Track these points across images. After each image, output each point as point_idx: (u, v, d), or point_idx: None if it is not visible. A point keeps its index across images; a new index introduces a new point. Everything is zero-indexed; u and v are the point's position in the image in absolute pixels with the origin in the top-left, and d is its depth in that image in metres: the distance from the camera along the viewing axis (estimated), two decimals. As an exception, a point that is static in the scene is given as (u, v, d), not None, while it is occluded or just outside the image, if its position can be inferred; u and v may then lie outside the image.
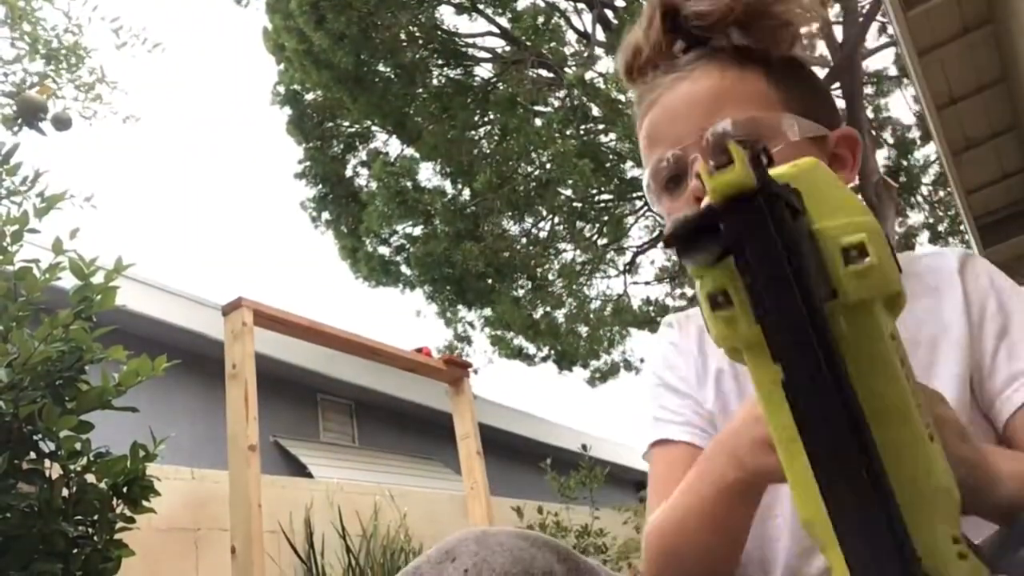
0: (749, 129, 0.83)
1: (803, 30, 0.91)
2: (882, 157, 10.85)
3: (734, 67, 0.87)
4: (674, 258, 11.63)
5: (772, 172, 0.46)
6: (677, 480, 0.85)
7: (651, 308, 10.95)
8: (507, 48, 10.11)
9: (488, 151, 10.04)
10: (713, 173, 0.44)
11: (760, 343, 0.44)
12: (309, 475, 8.04)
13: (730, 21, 0.88)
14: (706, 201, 0.45)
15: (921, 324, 0.87)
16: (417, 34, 9.55)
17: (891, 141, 11.26)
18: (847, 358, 0.42)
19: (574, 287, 10.70)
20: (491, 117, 9.88)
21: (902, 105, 16.21)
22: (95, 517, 2.27)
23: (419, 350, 3.83)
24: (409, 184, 9.75)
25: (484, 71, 10.14)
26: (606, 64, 9.61)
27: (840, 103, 8.96)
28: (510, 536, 0.71)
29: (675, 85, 0.89)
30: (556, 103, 9.95)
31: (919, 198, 11.49)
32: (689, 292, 11.41)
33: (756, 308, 0.44)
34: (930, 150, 10.92)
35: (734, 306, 0.46)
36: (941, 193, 11.38)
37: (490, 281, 9.99)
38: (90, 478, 2.30)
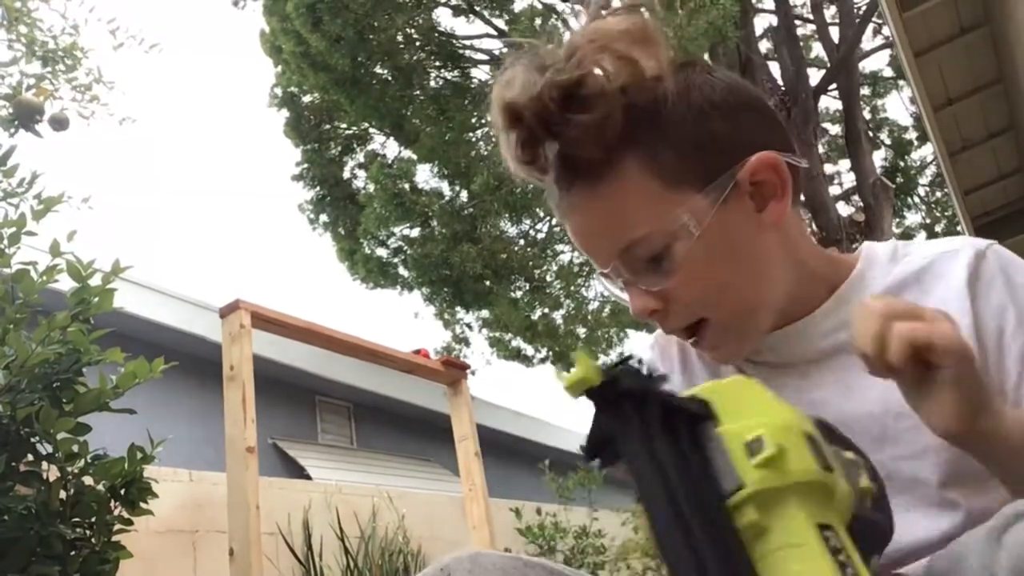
0: (648, 244, 0.78)
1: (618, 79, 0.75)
2: (879, 158, 10.87)
3: (600, 177, 0.78)
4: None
5: (693, 389, 0.53)
6: None
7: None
8: (504, 50, 10.11)
9: (486, 153, 10.04)
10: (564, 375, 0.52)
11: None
12: (307, 477, 8.03)
13: (545, 121, 0.75)
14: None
15: None
16: (414, 36, 9.55)
17: (888, 142, 11.28)
18: (755, 544, 0.46)
19: (572, 288, 10.70)
20: (488, 119, 9.88)
21: (899, 106, 16.25)
22: (93, 519, 2.27)
23: (417, 352, 3.83)
24: (407, 186, 9.75)
25: (482, 73, 10.15)
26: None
27: (837, 104, 8.98)
28: (503, 557, 0.73)
29: (569, 214, 0.83)
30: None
31: (916, 199, 11.51)
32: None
33: (640, 500, 0.48)
34: (927, 151, 10.95)
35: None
36: (938, 194, 11.41)
37: (487, 283, 9.99)
38: (88, 480, 2.30)
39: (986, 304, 0.82)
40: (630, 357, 0.55)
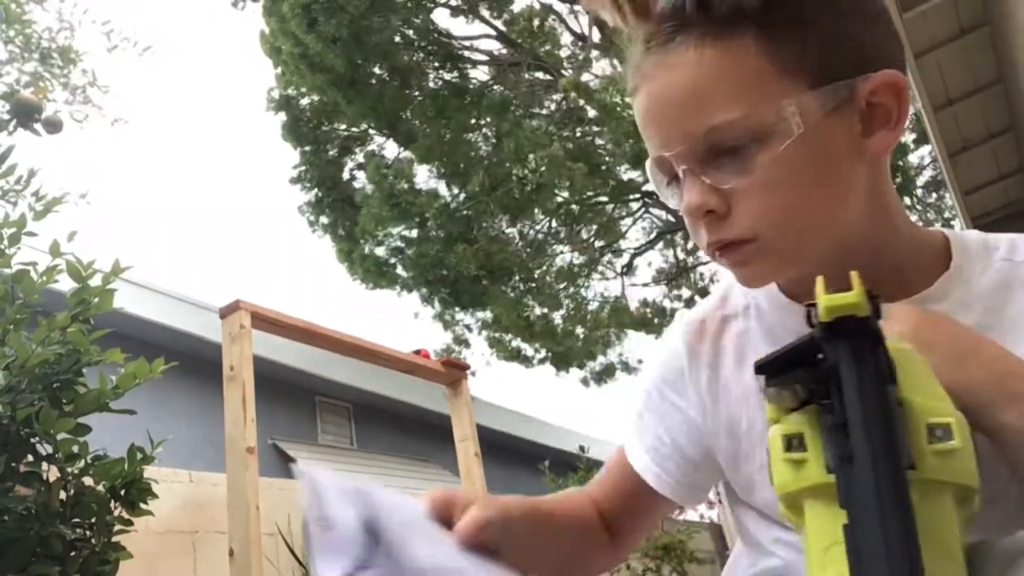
0: (741, 127, 0.68)
1: None
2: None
3: (714, 38, 0.69)
4: (671, 260, 11.63)
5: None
6: (610, 481, 0.90)
7: (648, 309, 10.96)
8: (503, 51, 10.12)
9: (483, 154, 10.04)
10: (830, 292, 0.47)
11: (827, 490, 0.45)
12: (307, 478, 8.02)
13: None
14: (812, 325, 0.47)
15: None
16: (412, 36, 9.56)
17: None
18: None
19: (571, 289, 10.70)
20: (486, 120, 9.89)
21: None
22: (93, 520, 2.26)
23: (417, 352, 3.83)
24: (404, 186, 9.76)
25: (480, 73, 10.16)
26: (602, 66, 9.62)
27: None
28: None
29: (652, 74, 0.72)
30: (552, 106, 9.96)
31: (913, 200, 11.52)
32: (686, 293, 11.42)
33: (835, 447, 0.44)
34: (924, 153, 10.96)
35: (807, 450, 0.47)
36: (934, 196, 11.42)
37: (484, 283, 10.00)
38: (88, 481, 2.30)
39: None
40: (878, 295, 0.49)
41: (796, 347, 0.48)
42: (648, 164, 0.78)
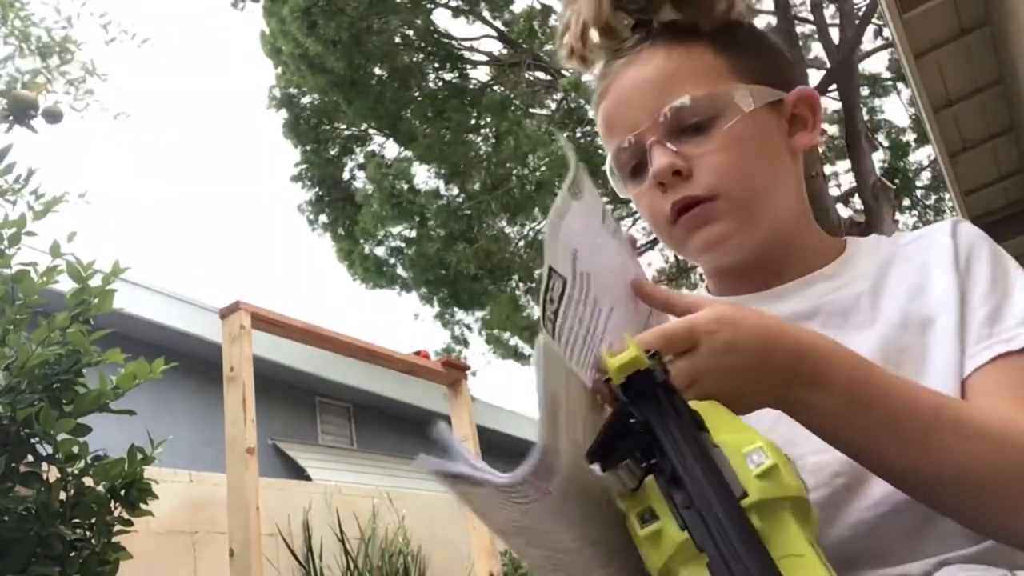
0: (702, 105, 0.83)
1: None
2: (877, 160, 10.87)
3: (679, 45, 0.86)
4: (671, 260, 11.64)
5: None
6: None
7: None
8: (503, 51, 10.12)
9: (483, 154, 10.04)
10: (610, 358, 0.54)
11: (690, 547, 0.48)
12: (307, 478, 8.03)
13: None
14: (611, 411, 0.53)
15: (909, 308, 0.81)
16: (412, 37, 9.56)
17: (886, 144, 11.28)
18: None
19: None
20: (487, 120, 9.90)
21: (897, 108, 16.27)
22: (93, 520, 2.26)
23: (418, 353, 3.83)
24: (404, 186, 9.75)
25: (481, 74, 10.16)
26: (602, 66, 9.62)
27: (836, 104, 8.98)
28: None
29: (624, 71, 0.88)
30: (553, 105, 9.97)
31: (913, 200, 11.52)
32: (685, 293, 11.40)
33: (677, 496, 0.49)
34: (924, 154, 10.96)
35: (659, 519, 0.50)
36: (933, 198, 11.42)
37: (484, 283, 10.00)
38: (88, 481, 2.30)
39: (965, 241, 0.86)
40: (658, 353, 0.56)
41: (612, 424, 0.53)
42: (609, 162, 0.92)
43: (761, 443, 0.51)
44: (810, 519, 0.51)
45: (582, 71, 0.95)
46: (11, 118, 3.41)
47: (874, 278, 0.85)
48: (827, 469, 0.73)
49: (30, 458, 2.23)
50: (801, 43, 10.03)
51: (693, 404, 0.54)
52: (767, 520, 0.48)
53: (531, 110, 9.67)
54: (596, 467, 0.52)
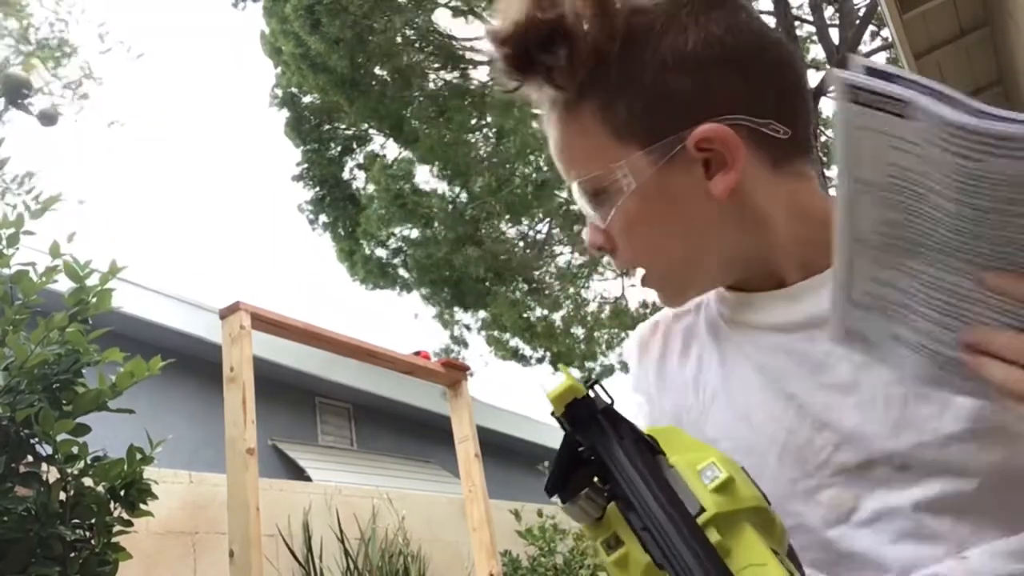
0: (592, 185, 0.80)
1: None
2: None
3: (570, 109, 0.80)
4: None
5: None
6: None
7: (648, 311, 10.97)
8: (504, 51, 10.12)
9: (485, 154, 10.04)
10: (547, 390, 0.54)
11: (651, 568, 0.49)
12: (307, 478, 8.02)
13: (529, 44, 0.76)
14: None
15: None
16: (413, 37, 9.56)
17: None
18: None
19: (572, 289, 10.70)
20: (488, 120, 9.90)
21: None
22: (92, 521, 2.26)
23: (418, 354, 3.83)
24: (407, 187, 9.76)
25: (481, 74, 10.16)
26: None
27: (832, 108, 8.99)
28: None
29: (546, 128, 0.85)
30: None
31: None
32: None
33: (632, 519, 0.50)
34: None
35: (624, 544, 0.51)
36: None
37: (488, 284, 10.00)
38: (87, 481, 2.30)
39: None
40: (598, 380, 0.56)
41: (563, 456, 0.53)
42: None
43: (714, 458, 0.52)
44: (773, 528, 0.52)
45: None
46: (5, 100, 3.37)
47: None
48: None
49: (30, 458, 2.23)
50: (801, 44, 10.03)
51: (648, 429, 0.56)
52: (727, 533, 0.49)
53: (533, 109, 9.67)
54: (556, 499, 0.53)
